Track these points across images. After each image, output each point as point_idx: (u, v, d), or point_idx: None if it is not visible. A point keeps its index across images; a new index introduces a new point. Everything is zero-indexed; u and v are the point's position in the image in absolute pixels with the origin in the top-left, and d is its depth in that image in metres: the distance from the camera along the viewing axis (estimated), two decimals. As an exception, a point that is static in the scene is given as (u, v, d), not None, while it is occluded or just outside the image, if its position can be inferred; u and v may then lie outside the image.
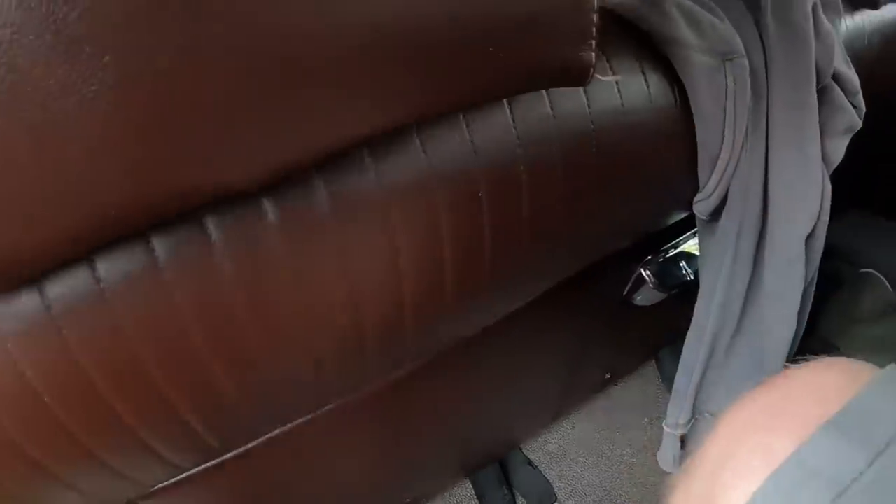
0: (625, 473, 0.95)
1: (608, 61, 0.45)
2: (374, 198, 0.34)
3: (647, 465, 0.96)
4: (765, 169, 0.54)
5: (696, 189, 0.54)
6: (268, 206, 0.32)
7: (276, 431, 0.48)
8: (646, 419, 1.02)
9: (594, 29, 0.33)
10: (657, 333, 0.95)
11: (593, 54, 0.33)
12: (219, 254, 0.32)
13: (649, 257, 0.65)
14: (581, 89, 0.42)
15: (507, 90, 0.34)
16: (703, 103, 0.49)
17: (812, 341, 0.88)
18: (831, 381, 0.27)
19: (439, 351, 0.51)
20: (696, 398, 0.65)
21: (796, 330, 0.59)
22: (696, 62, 0.48)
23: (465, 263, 0.40)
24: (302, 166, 0.30)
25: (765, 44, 0.53)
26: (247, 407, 0.40)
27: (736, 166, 0.52)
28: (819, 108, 0.54)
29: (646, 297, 0.68)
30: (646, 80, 0.46)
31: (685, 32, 0.49)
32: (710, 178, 0.52)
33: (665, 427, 0.68)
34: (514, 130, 0.39)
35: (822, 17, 0.54)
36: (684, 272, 0.68)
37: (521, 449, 0.96)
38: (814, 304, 0.62)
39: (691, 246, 0.69)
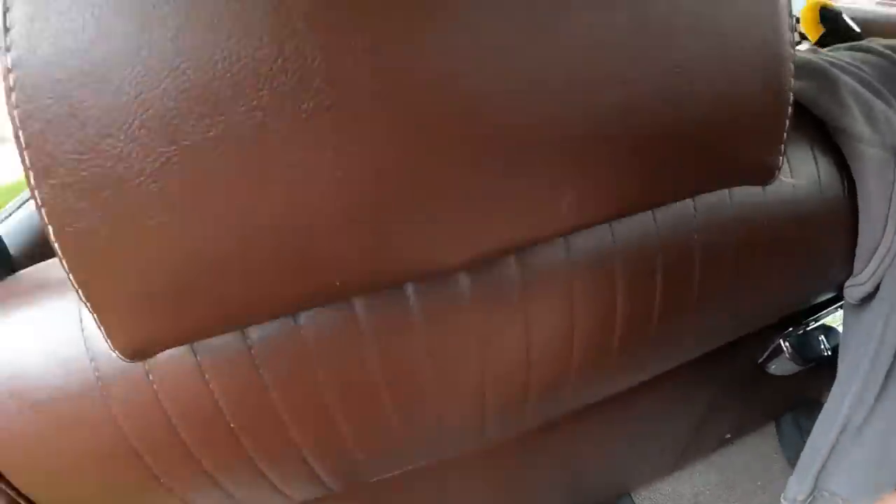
0: (732, 534, 0.94)
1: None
2: (560, 270, 0.39)
3: (756, 531, 0.94)
4: None
5: (849, 273, 0.55)
6: (463, 278, 0.37)
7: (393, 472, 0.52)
8: (759, 482, 1.00)
9: (785, 135, 0.35)
10: (783, 399, 0.93)
11: (781, 158, 0.36)
12: (415, 318, 0.36)
13: (790, 329, 0.66)
14: None
15: (696, 189, 0.37)
16: (869, 195, 0.50)
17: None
18: None
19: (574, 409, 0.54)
20: (818, 476, 0.65)
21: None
22: (868, 156, 0.49)
23: (632, 331, 0.44)
24: (509, 250, 0.33)
25: None
26: (374, 462, 0.44)
27: (893, 259, 0.52)
28: None
29: (781, 367, 0.69)
30: (817, 169, 0.48)
31: (859, 125, 0.50)
32: (865, 266, 0.53)
33: (783, 501, 0.68)
34: (693, 210, 0.42)
35: None
36: (822, 346, 0.68)
37: (630, 495, 0.97)
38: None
39: (832, 319, 0.69)
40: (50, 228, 0.26)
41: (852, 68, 0.53)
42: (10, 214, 0.92)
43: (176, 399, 0.36)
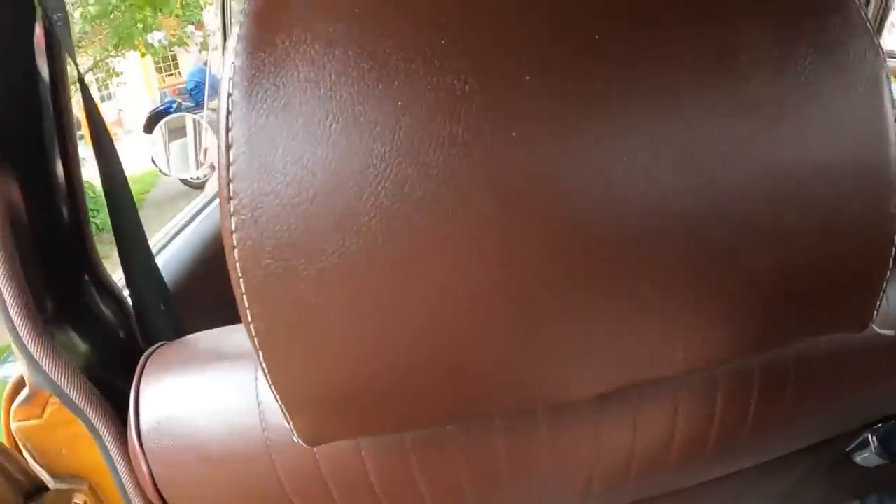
0: None
1: None
2: (669, 383, 0.44)
3: None
4: None
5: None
6: None
7: None
8: (840, 560, 0.99)
9: (885, 283, 0.36)
10: (870, 482, 0.92)
11: (877, 305, 0.36)
12: (497, 436, 0.42)
13: (879, 424, 0.67)
14: None
15: (788, 337, 0.39)
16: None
17: None
18: None
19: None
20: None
21: None
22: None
23: (726, 435, 0.47)
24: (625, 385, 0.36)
25: None
26: None
27: None
28: None
29: (868, 459, 0.69)
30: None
31: None
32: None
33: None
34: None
35: None
36: (912, 442, 0.68)
37: None
38: None
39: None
40: (261, 355, 0.33)
41: None
42: (165, 246, 1.05)
43: (333, 466, 0.44)
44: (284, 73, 0.29)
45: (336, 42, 0.29)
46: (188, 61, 10.42)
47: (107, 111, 12.72)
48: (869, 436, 0.67)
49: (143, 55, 8.67)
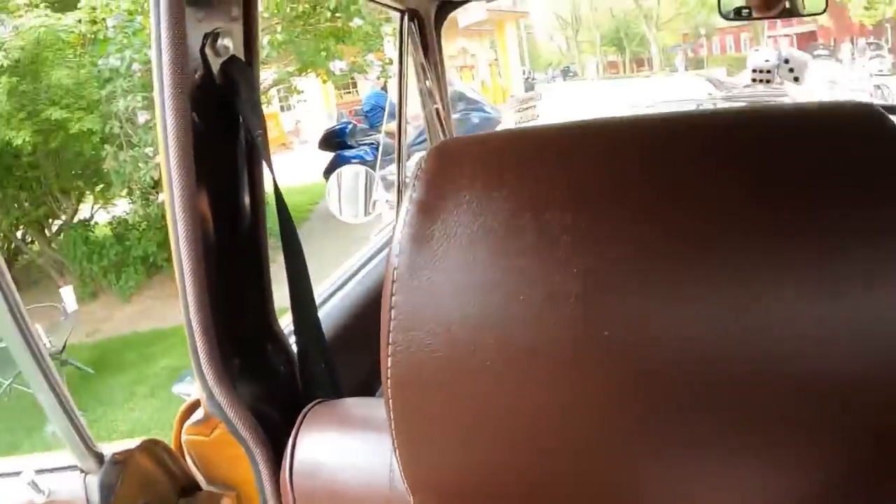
0: None
1: None
2: None
3: None
4: None
5: None
6: None
7: None
8: None
9: None
10: None
11: None
12: None
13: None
14: None
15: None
16: None
17: None
18: None
19: None
20: None
21: None
22: None
23: None
24: None
25: None
26: None
27: None
28: None
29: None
30: None
31: None
32: None
33: None
34: None
35: None
36: None
37: None
38: None
39: None
40: (394, 438, 0.41)
41: None
42: (327, 300, 1.19)
43: None
44: (441, 245, 0.39)
45: (486, 218, 0.38)
46: (366, 84, 11.31)
47: (286, 121, 14.16)
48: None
49: (324, 81, 9.48)
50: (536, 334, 0.36)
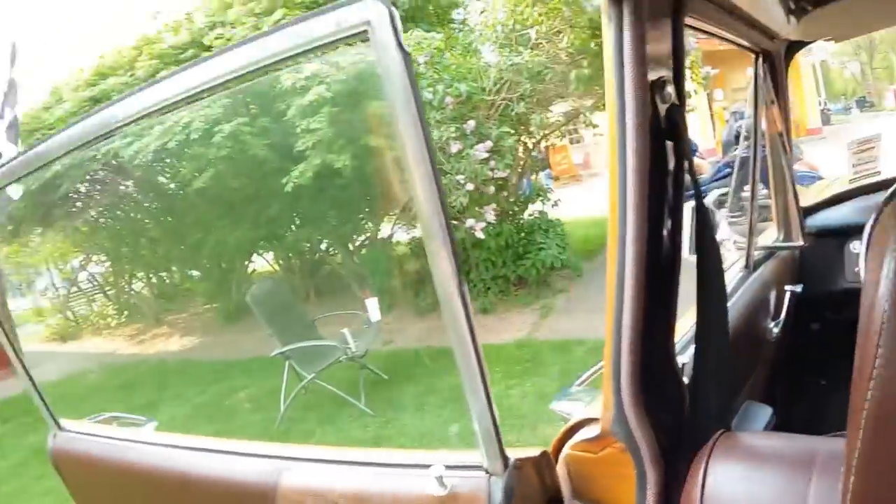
0: None
1: None
2: None
3: None
4: None
5: None
6: None
7: None
8: None
9: None
10: None
11: None
12: None
13: None
14: None
15: None
16: None
17: None
18: None
19: None
20: None
21: None
22: None
23: None
24: None
25: None
26: None
27: None
28: None
29: None
30: None
31: None
32: None
33: None
34: None
35: None
36: None
37: None
38: None
39: None
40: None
41: None
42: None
43: None
44: None
45: None
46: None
47: (575, 153, 14.40)
48: None
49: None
50: None
